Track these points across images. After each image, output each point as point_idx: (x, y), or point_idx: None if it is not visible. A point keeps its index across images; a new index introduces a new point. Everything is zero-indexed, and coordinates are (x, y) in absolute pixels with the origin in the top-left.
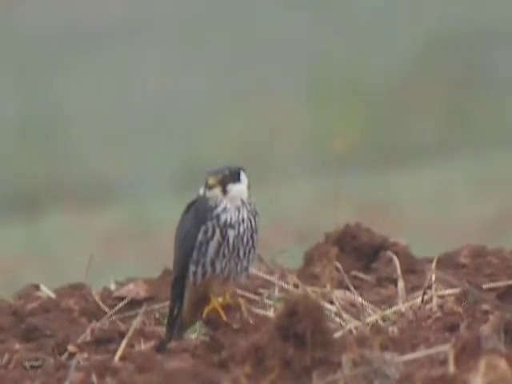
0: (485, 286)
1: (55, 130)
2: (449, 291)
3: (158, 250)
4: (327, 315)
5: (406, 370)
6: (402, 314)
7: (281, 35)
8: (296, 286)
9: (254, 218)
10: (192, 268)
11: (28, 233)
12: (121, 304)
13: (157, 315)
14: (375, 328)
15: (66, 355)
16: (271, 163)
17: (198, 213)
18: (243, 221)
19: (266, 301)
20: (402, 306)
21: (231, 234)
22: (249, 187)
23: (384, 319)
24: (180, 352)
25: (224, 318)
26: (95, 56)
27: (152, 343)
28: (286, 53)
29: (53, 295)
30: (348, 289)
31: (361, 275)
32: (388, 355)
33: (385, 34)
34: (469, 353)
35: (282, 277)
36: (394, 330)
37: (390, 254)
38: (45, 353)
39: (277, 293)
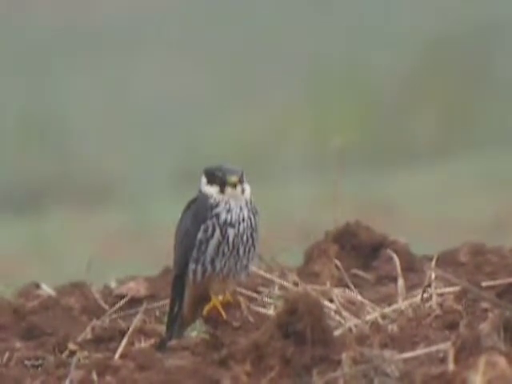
0: (484, 284)
1: (55, 130)
2: (448, 289)
3: (158, 249)
4: (327, 313)
5: (405, 368)
6: (401, 312)
7: (281, 35)
8: (296, 284)
9: (254, 217)
10: (192, 266)
11: (28, 231)
12: (121, 302)
13: (157, 313)
14: (375, 326)
15: (66, 353)
16: (271, 162)
17: (198, 211)
18: (243, 219)
19: (266, 299)
20: (401, 304)
21: (231, 232)
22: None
23: (384, 317)
24: (180, 350)
25: (224, 316)
26: (95, 56)
27: (152, 341)
28: (286, 53)
29: (53, 293)
30: (348, 287)
31: (360, 273)
32: (388, 353)
33: (385, 33)
34: (468, 351)
35: (282, 275)
36: (393, 328)
37: (389, 252)
38: (45, 351)
39: (277, 291)
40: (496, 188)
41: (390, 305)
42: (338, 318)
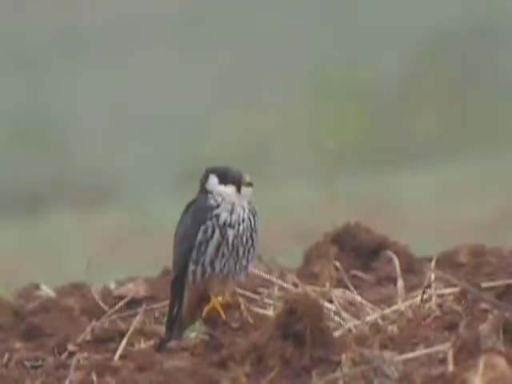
0: (484, 285)
1: (55, 130)
2: (448, 290)
3: (157, 250)
4: (326, 314)
5: (405, 369)
6: (401, 313)
7: (281, 35)
8: (295, 285)
9: (254, 218)
10: (191, 267)
11: (28, 232)
12: (121, 303)
13: (156, 314)
14: (374, 327)
15: (66, 354)
16: (271, 163)
17: (198, 212)
18: (243, 220)
19: (266, 300)
20: (401, 305)
21: (231, 233)
22: None
23: (383, 318)
24: (180, 351)
25: (223, 317)
26: (95, 56)
27: (152, 342)
28: (286, 53)
29: (53, 294)
30: (347, 288)
31: (360, 274)
32: (387, 354)
33: (385, 33)
34: (468, 352)
35: (282, 276)
36: (393, 329)
37: (389, 253)
38: (45, 352)
39: (276, 292)
40: (496, 188)
41: (389, 306)
42: (337, 319)
